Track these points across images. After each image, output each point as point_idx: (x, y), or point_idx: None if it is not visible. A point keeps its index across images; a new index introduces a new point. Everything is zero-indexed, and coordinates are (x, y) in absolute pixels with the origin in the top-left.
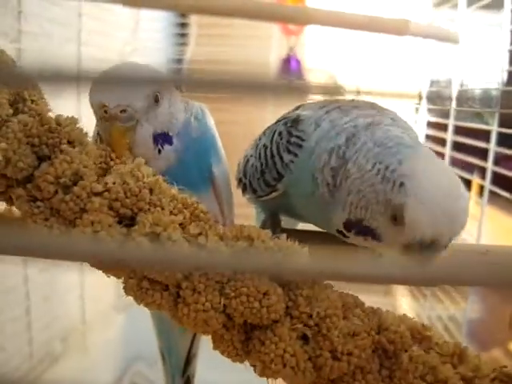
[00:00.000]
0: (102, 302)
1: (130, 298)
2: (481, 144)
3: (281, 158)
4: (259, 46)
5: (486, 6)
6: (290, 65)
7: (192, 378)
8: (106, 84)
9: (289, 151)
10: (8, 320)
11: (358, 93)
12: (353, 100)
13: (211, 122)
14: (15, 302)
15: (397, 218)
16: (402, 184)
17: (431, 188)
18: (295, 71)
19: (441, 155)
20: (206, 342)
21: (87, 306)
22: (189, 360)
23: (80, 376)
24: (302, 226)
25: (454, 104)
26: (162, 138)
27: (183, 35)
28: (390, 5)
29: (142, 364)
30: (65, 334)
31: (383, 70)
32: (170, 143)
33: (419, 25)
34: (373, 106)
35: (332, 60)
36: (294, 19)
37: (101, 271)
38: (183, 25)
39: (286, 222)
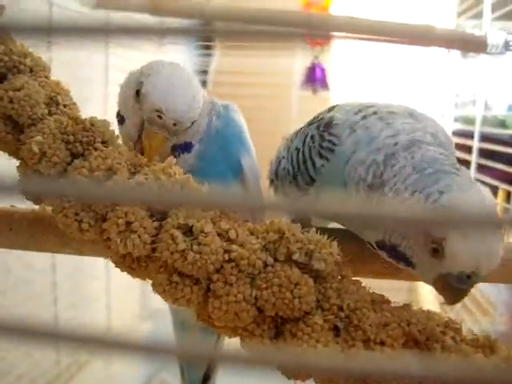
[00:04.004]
0: (127, 310)
1: (156, 307)
2: (507, 150)
3: (313, 162)
4: (283, 55)
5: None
6: (314, 73)
7: None
8: (167, 88)
9: (321, 156)
10: None
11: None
12: (388, 104)
13: (238, 116)
14: (43, 309)
15: (437, 250)
16: None
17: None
18: (320, 80)
19: (467, 163)
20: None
21: (113, 315)
22: (207, 376)
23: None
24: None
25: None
26: (181, 148)
27: (208, 46)
28: (413, 14)
29: (166, 373)
30: None
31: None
32: (189, 151)
33: (444, 30)
34: (410, 112)
35: (356, 68)
36: (319, 27)
37: (127, 279)
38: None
39: (315, 221)
